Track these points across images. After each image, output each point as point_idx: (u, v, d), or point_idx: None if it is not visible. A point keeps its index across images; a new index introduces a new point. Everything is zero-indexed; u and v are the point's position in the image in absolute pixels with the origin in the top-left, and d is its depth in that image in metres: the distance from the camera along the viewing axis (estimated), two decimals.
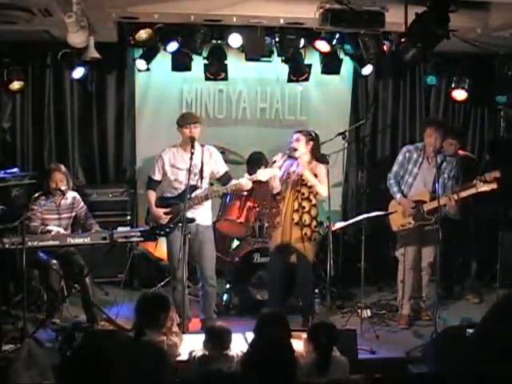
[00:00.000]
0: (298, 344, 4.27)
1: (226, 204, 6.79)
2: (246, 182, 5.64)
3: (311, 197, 5.81)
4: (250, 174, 5.90)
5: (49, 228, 5.78)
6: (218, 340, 4.04)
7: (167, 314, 4.13)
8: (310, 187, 5.80)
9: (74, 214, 6.08)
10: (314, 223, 5.84)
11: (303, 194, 5.81)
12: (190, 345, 4.43)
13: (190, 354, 4.13)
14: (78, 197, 6.16)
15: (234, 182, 5.71)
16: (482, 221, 7.02)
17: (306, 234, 5.79)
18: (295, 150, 5.79)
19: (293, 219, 5.80)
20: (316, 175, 5.78)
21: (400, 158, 6.16)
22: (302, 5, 5.75)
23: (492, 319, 2.39)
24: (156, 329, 3.97)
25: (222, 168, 5.80)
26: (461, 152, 6.91)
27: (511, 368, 2.23)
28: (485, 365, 2.27)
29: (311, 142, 5.83)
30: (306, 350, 3.96)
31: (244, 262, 6.43)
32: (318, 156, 5.88)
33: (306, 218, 5.80)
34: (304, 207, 5.81)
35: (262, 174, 5.68)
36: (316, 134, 5.95)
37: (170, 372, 3.68)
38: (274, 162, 5.81)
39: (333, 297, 6.37)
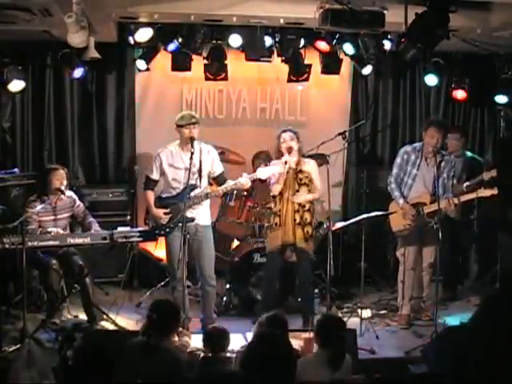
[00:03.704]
0: (298, 344, 4.28)
1: (226, 204, 6.79)
2: (245, 180, 5.62)
3: (310, 194, 5.84)
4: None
5: (47, 230, 5.79)
6: (215, 342, 4.05)
7: (178, 320, 4.14)
8: (307, 185, 5.80)
9: (71, 213, 6.07)
10: (314, 220, 5.92)
11: (302, 193, 5.80)
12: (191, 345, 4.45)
13: (191, 354, 4.14)
14: (74, 196, 6.16)
15: (232, 181, 5.69)
16: (483, 221, 7.02)
17: (307, 232, 5.79)
18: (291, 148, 5.77)
19: (295, 220, 5.79)
20: (306, 178, 5.79)
21: (398, 160, 6.16)
22: (302, 5, 5.74)
23: (480, 317, 2.40)
24: (166, 335, 3.97)
25: (218, 168, 5.80)
26: (468, 153, 6.92)
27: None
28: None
29: (299, 141, 5.86)
30: (311, 347, 3.96)
31: (244, 261, 6.43)
32: (303, 154, 5.94)
33: (307, 216, 5.81)
34: (304, 206, 5.81)
35: (262, 173, 5.68)
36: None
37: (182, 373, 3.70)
38: (286, 162, 5.77)
39: (333, 297, 6.37)
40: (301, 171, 5.83)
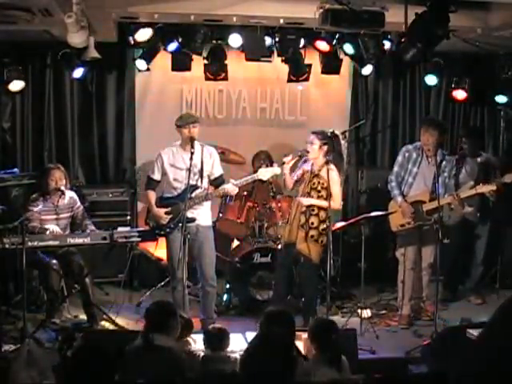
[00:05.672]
0: (298, 344, 4.27)
1: (226, 204, 6.79)
2: (232, 187, 5.63)
3: (321, 200, 5.74)
4: (255, 173, 5.88)
5: (46, 227, 5.79)
6: (215, 341, 4.05)
7: (177, 320, 4.14)
8: (319, 191, 5.75)
9: (71, 214, 6.08)
10: (323, 226, 5.71)
11: (312, 197, 5.76)
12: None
13: (191, 354, 4.14)
14: (75, 196, 6.16)
15: (220, 187, 5.68)
16: (496, 223, 6.99)
17: (312, 236, 5.72)
18: (307, 152, 5.76)
19: (299, 221, 5.78)
20: (320, 184, 5.73)
21: (400, 158, 6.17)
22: (302, 5, 5.74)
23: (499, 322, 2.36)
24: (167, 334, 3.97)
25: (217, 170, 5.80)
26: (483, 153, 6.90)
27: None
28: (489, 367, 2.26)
29: (325, 147, 5.71)
30: (308, 350, 3.95)
31: (244, 261, 6.43)
32: (332, 160, 5.72)
33: (314, 220, 5.73)
34: (313, 210, 5.74)
35: (263, 174, 5.70)
36: (336, 135, 5.84)
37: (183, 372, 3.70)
38: (283, 163, 5.80)
39: (333, 297, 6.37)
40: (317, 176, 5.77)
